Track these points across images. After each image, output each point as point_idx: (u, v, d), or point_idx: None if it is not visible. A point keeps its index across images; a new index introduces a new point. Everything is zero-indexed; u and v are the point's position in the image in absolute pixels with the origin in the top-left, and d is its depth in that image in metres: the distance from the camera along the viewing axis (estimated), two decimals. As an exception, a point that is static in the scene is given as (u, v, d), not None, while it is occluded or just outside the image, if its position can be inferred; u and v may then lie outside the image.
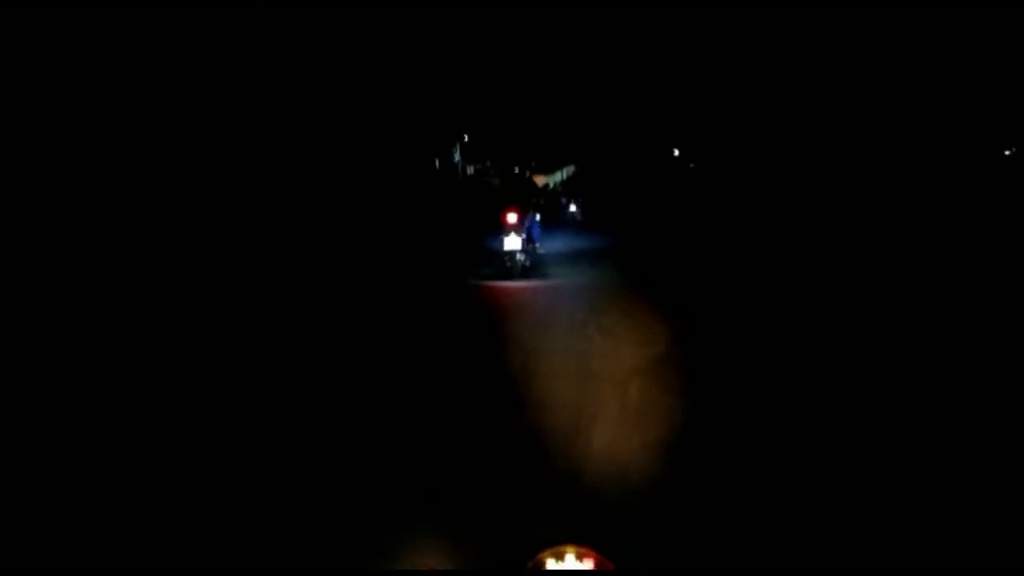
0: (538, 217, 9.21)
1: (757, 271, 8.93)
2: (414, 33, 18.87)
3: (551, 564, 1.25)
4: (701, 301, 7.08)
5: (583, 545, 1.29)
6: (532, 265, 8.71)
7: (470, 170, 31.84)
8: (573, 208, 25.17)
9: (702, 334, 5.66)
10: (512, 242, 8.29)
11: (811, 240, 11.09)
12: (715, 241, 12.76)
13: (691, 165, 34.16)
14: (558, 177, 39.76)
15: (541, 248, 9.24)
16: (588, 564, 1.27)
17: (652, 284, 8.11)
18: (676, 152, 35.95)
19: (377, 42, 16.83)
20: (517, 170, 9.86)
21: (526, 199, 8.91)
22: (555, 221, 20.94)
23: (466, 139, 30.83)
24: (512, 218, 8.29)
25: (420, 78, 19.86)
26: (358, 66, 15.77)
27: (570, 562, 1.26)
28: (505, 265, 8.37)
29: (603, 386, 4.31)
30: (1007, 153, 23.00)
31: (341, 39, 14.79)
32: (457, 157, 30.58)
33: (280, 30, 12.25)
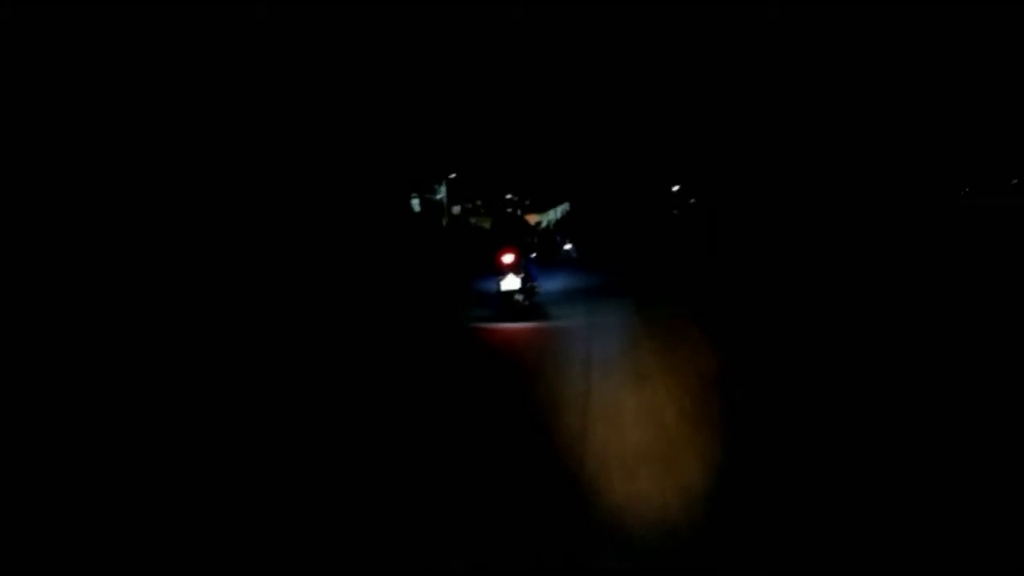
0: (534, 255, 9.43)
1: (763, 306, 9.00)
2: (394, 64, 18.97)
3: None
4: (710, 339, 7.02)
5: None
6: (532, 306, 8.82)
7: (456, 209, 31.73)
8: (568, 246, 25.66)
9: (715, 376, 5.55)
10: (510, 283, 8.43)
11: (824, 269, 11.28)
12: (718, 275, 13.01)
13: (691, 200, 34.62)
14: (551, 216, 40.28)
15: (539, 288, 9.43)
16: None
17: (654, 323, 8.11)
18: (676, 188, 36.56)
19: (351, 71, 16.28)
20: (510, 209, 10.13)
21: (521, 238, 9.23)
22: (551, 260, 21.27)
23: (452, 177, 30.65)
24: (508, 258, 8.48)
25: (401, 113, 20.04)
26: (327, 98, 15.38)
27: None
28: (504, 306, 8.51)
29: (613, 429, 4.19)
30: (1014, 182, 23.53)
31: (306, 64, 14.36)
32: (440, 195, 30.38)
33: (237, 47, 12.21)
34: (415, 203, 27.64)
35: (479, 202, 35.96)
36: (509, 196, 38.13)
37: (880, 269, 10.64)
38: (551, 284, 12.36)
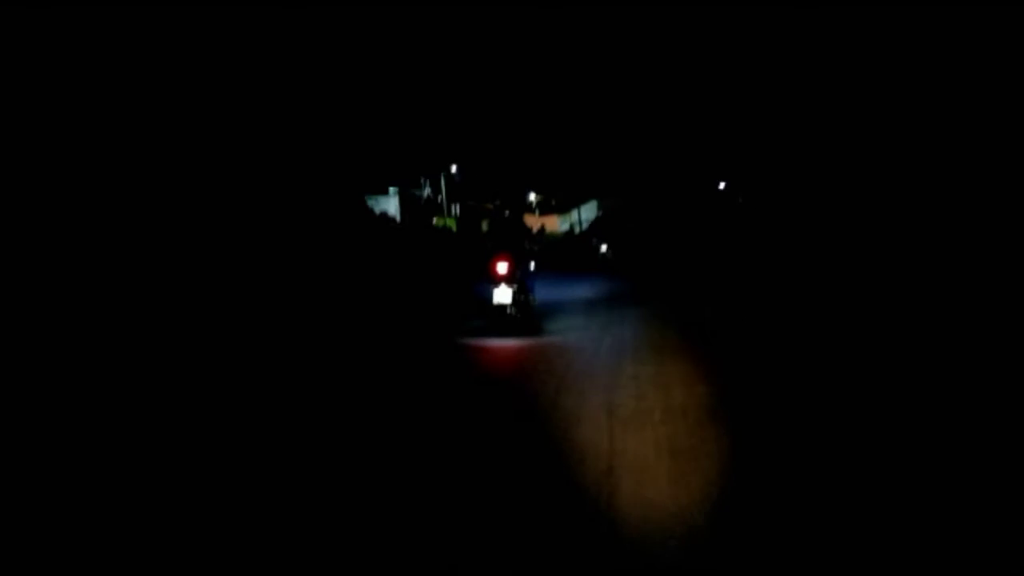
0: (532, 266, 9.23)
1: (813, 323, 8.48)
2: (383, 33, 18.23)
3: None
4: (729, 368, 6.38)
5: None
6: (525, 319, 8.62)
7: (455, 209, 31.03)
8: (604, 248, 26.01)
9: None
10: (502, 294, 8.30)
11: (885, 272, 10.92)
12: (767, 288, 12.73)
13: (740, 200, 33.81)
14: (574, 217, 39.66)
15: (536, 300, 9.42)
16: None
17: (667, 345, 7.52)
18: (722, 185, 35.62)
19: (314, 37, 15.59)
20: (507, 212, 9.90)
21: (518, 245, 8.98)
22: (583, 264, 21.25)
23: (454, 171, 29.79)
24: (502, 268, 8.38)
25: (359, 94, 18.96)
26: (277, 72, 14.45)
27: None
28: (495, 320, 8.37)
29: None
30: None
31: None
32: (427, 192, 29.19)
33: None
34: (392, 203, 26.45)
35: (498, 202, 35.84)
36: (533, 196, 38.05)
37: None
38: (574, 292, 12.53)
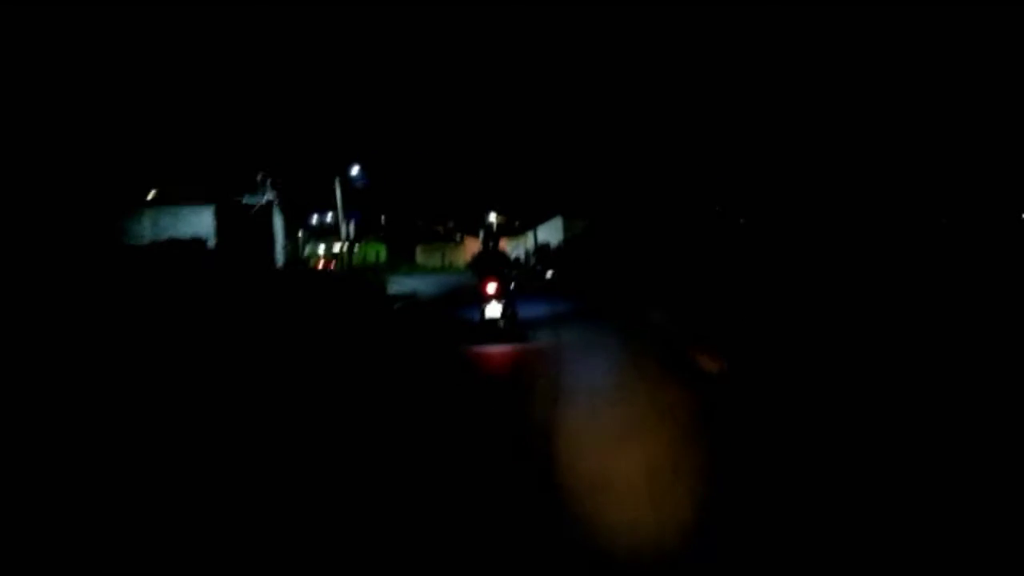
0: (513, 286, 12.74)
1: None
2: None
3: None
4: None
5: None
6: (512, 329, 12.13)
7: (348, 228, 21.71)
8: (549, 274, 27.91)
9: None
10: (493, 309, 11.86)
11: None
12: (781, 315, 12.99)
13: (740, 220, 31.75)
14: (529, 240, 36.88)
15: (519, 314, 12.69)
16: None
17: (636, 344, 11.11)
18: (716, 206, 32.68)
19: None
20: (491, 243, 13.67)
21: (501, 269, 12.57)
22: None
23: (356, 173, 21.48)
24: (491, 288, 11.94)
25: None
26: None
27: None
28: (487, 331, 11.85)
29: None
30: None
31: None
32: (265, 198, 21.86)
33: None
34: (205, 218, 21.47)
35: (451, 224, 36.53)
36: (494, 216, 39.18)
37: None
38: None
